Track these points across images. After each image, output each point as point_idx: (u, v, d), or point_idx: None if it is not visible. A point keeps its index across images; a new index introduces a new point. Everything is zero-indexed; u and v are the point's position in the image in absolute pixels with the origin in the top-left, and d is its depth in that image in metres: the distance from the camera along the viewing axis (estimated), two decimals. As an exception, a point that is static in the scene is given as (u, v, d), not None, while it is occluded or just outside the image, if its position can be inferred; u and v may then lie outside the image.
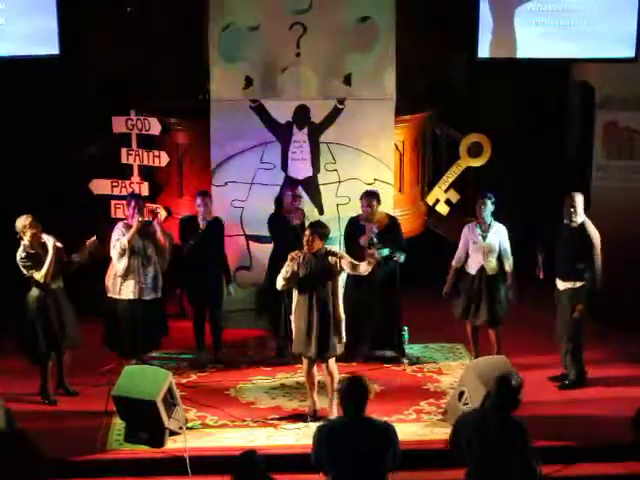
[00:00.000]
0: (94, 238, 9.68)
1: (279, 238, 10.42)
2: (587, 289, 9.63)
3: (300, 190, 10.71)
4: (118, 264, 9.94)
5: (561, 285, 9.81)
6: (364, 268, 9.11)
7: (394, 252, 10.20)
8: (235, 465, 6.63)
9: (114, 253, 9.95)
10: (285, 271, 9.07)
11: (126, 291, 9.99)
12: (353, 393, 6.80)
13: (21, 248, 9.42)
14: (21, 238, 9.43)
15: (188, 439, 8.73)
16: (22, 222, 9.41)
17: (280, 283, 9.16)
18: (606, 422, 9.10)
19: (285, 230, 10.32)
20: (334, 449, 6.68)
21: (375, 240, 10.01)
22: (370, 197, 10.28)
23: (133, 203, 10.05)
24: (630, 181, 12.16)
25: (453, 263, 10.29)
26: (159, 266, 10.12)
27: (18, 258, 9.42)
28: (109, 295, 10.10)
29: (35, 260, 9.41)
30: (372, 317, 10.36)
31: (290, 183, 10.91)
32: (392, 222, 10.46)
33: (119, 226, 10.07)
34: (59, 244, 9.47)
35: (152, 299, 10.08)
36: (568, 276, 9.71)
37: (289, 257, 9.12)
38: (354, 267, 9.10)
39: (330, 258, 9.06)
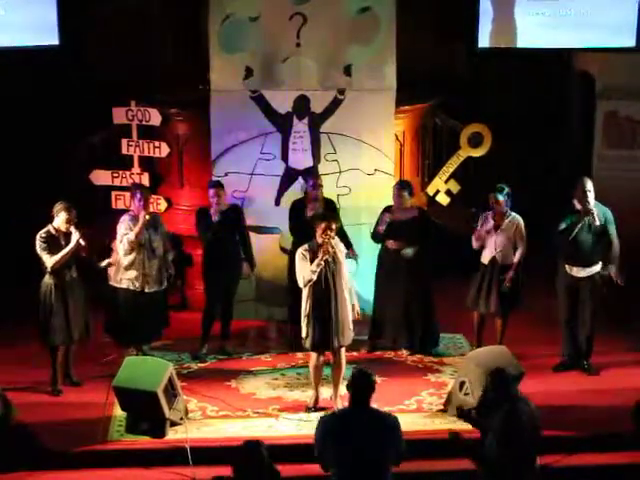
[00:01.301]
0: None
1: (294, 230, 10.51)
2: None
3: (315, 181, 10.54)
4: (125, 259, 9.90)
5: (583, 272, 9.85)
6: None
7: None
8: (238, 455, 6.63)
9: (121, 248, 9.88)
10: (316, 265, 8.89)
11: (127, 281, 9.98)
12: (360, 383, 6.82)
13: (46, 227, 9.39)
14: (52, 219, 9.40)
15: (189, 430, 8.75)
16: (61, 205, 9.38)
17: (308, 278, 8.96)
18: (607, 412, 9.11)
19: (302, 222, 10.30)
20: (337, 439, 6.68)
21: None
22: (400, 187, 10.33)
23: (139, 195, 9.94)
24: (631, 170, 12.16)
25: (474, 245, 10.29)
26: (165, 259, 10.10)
27: (38, 234, 9.37)
28: (110, 283, 10.09)
29: (52, 244, 9.37)
30: (402, 310, 10.39)
31: (308, 174, 10.88)
32: (421, 215, 10.46)
33: (125, 219, 9.97)
34: (82, 242, 9.34)
35: (155, 291, 10.07)
36: (591, 263, 9.80)
37: (300, 256, 9.01)
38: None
39: (339, 254, 9.07)
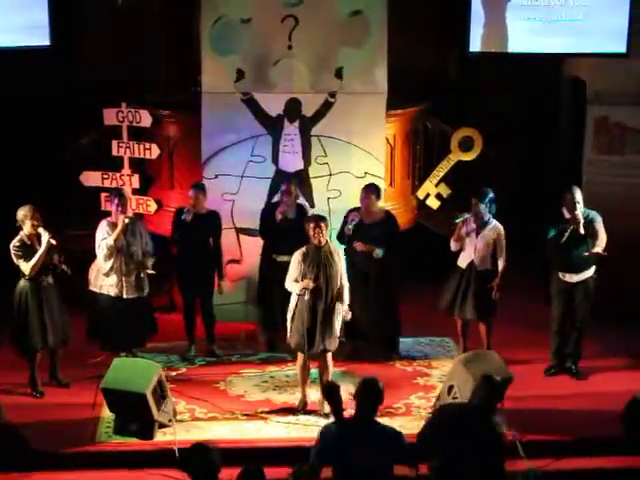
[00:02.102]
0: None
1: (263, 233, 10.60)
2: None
3: (287, 187, 10.49)
4: (104, 264, 9.89)
5: (575, 278, 9.91)
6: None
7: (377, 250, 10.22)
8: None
9: (100, 253, 9.88)
10: (294, 276, 9.05)
11: (107, 287, 9.95)
12: (369, 394, 6.80)
13: (18, 236, 9.40)
14: (21, 227, 9.42)
15: (177, 432, 8.73)
16: (23, 212, 9.41)
17: (294, 288, 9.11)
18: (596, 416, 9.13)
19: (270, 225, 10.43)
20: (342, 451, 6.67)
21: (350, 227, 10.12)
22: (367, 190, 10.30)
23: (116, 200, 9.93)
24: (621, 176, 12.15)
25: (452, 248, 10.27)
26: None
27: (12, 245, 9.39)
28: (90, 288, 10.07)
29: (27, 251, 9.39)
30: (368, 314, 10.35)
31: (292, 177, 10.89)
32: (388, 217, 10.46)
33: (103, 225, 9.97)
34: (53, 241, 9.37)
35: (135, 298, 10.02)
36: (583, 269, 9.87)
37: (296, 259, 9.09)
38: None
39: (336, 258, 9.09)
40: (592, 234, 9.80)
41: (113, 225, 9.91)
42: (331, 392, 7.13)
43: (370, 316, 10.31)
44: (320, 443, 6.81)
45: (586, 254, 9.74)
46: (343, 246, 10.18)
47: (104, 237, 9.87)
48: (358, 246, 10.20)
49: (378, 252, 10.19)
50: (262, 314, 10.70)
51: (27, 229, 9.41)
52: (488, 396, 7.07)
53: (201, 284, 10.47)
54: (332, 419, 8.81)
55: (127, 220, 9.89)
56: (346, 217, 10.30)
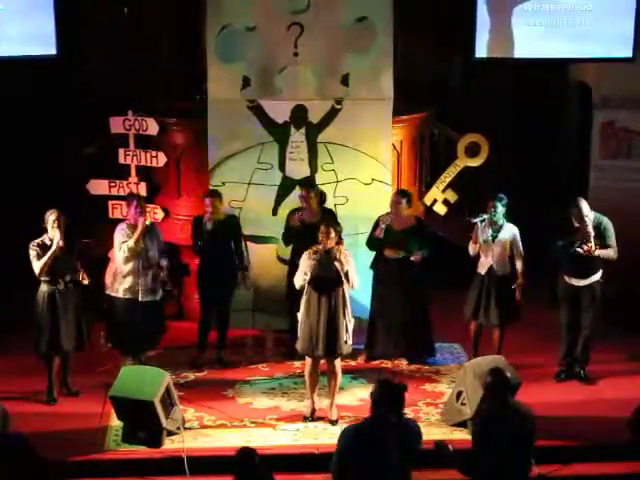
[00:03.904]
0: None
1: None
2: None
3: (303, 193, 10.52)
4: (124, 266, 9.92)
5: (582, 282, 9.90)
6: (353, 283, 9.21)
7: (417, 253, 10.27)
8: (235, 463, 6.63)
9: (120, 256, 9.89)
10: (307, 266, 9.08)
11: (123, 290, 9.98)
12: (390, 398, 6.80)
13: (43, 237, 9.44)
14: (45, 229, 9.45)
15: (186, 439, 8.72)
16: (47, 214, 9.45)
17: (300, 280, 9.16)
18: (606, 422, 9.10)
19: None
20: (359, 453, 6.67)
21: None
22: (399, 195, 10.38)
23: (135, 203, 9.99)
24: (628, 181, 12.15)
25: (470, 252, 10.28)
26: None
27: (31, 243, 9.43)
28: (107, 292, 10.10)
29: (44, 252, 9.39)
30: (399, 319, 10.38)
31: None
32: (419, 223, 10.49)
33: (122, 227, 10.00)
34: (61, 243, 9.36)
35: (150, 301, 10.05)
36: (590, 274, 9.86)
37: (306, 254, 9.12)
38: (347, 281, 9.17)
39: (344, 261, 9.08)
40: (603, 243, 9.80)
41: (132, 227, 9.93)
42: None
43: (406, 321, 10.35)
44: (343, 443, 6.81)
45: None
46: (373, 252, 10.22)
47: (124, 240, 9.89)
48: (388, 252, 10.22)
49: (422, 252, 10.21)
50: (291, 323, 10.40)
51: (50, 230, 9.42)
52: (496, 387, 7.06)
53: (223, 290, 10.47)
54: (341, 425, 8.89)
55: (147, 223, 9.93)
56: (376, 223, 10.30)
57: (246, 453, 6.72)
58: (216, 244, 10.31)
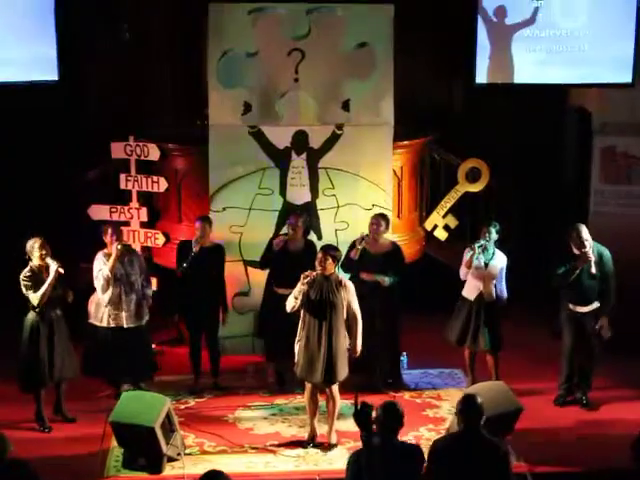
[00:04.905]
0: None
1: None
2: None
3: (292, 220, 10.51)
4: (103, 295, 9.91)
5: (585, 309, 9.93)
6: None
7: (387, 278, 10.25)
8: None
9: (97, 284, 9.91)
10: (297, 291, 9.06)
11: (106, 318, 9.97)
12: (391, 420, 6.79)
13: (28, 267, 9.44)
14: (29, 259, 9.45)
15: (186, 465, 8.70)
16: (31, 243, 9.46)
17: (291, 304, 9.14)
18: (607, 447, 9.06)
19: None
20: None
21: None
22: (378, 217, 10.37)
23: (110, 231, 10.00)
24: (628, 206, 12.15)
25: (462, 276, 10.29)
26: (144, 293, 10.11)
27: (22, 276, 9.42)
28: (90, 321, 10.08)
29: (36, 281, 9.41)
30: (370, 344, 10.32)
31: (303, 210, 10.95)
32: (394, 248, 10.46)
33: (99, 256, 10.01)
34: (61, 270, 9.40)
35: (135, 327, 10.04)
36: (591, 300, 9.90)
37: (302, 277, 9.09)
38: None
39: (343, 293, 9.07)
40: (603, 277, 9.84)
41: (108, 256, 9.95)
42: (362, 414, 7.08)
43: (375, 347, 10.26)
44: (355, 464, 6.80)
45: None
46: (348, 275, 10.17)
47: (100, 268, 9.91)
48: (364, 276, 10.21)
49: (386, 279, 10.19)
50: (265, 345, 10.65)
51: (35, 260, 9.44)
52: (470, 416, 6.96)
53: (206, 317, 10.44)
54: (337, 450, 8.88)
55: (119, 247, 9.91)
56: (350, 247, 10.29)
57: (214, 474, 6.56)
58: (199, 270, 10.28)
